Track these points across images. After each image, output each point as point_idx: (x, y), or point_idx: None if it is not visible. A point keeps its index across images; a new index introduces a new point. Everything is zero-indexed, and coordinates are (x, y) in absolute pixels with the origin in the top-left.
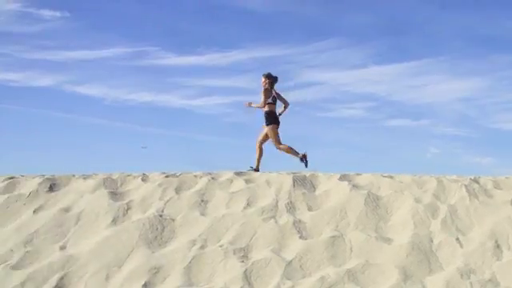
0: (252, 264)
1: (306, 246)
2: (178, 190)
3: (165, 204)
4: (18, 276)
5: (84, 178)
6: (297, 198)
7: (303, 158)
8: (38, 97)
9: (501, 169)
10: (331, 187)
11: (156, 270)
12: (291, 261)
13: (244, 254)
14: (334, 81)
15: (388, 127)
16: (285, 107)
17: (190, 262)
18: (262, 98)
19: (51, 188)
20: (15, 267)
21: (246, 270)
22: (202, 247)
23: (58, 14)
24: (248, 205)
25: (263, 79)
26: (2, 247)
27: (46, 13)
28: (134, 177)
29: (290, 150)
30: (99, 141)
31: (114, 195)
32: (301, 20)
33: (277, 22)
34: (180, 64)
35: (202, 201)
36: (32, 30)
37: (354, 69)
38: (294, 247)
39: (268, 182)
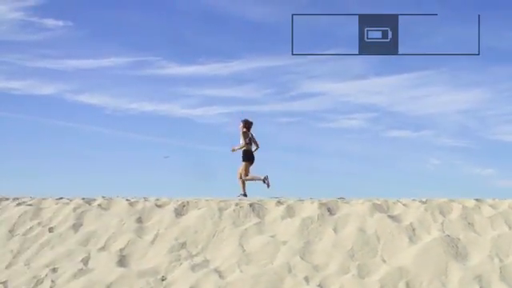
0: None
1: None
2: (443, 214)
3: (442, 225)
4: (368, 281)
5: (350, 204)
6: None
7: (244, 195)
8: (40, 105)
9: (501, 181)
10: None
11: (479, 278)
12: None
13: None
14: (334, 91)
15: (388, 138)
16: (256, 148)
17: (500, 272)
18: (242, 140)
19: (330, 211)
20: (361, 276)
21: None
22: (501, 261)
23: (60, 23)
24: (510, 227)
25: (242, 124)
26: (331, 259)
27: (49, 22)
28: (394, 202)
29: (251, 179)
30: (100, 150)
31: (392, 217)
32: (302, 30)
33: (278, 33)
34: (181, 74)
35: (469, 223)
36: (34, 38)
37: (355, 80)
38: None
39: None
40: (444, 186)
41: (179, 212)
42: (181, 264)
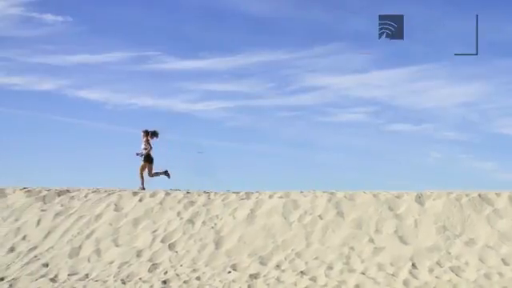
0: None
1: None
2: None
3: None
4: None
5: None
6: None
7: (143, 188)
8: (40, 101)
9: (502, 174)
10: None
11: None
12: None
13: None
14: (335, 85)
15: (389, 132)
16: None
17: None
18: (147, 146)
19: None
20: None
21: None
22: None
23: (60, 18)
24: None
25: (143, 134)
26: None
27: (49, 17)
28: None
29: (142, 179)
30: (100, 145)
31: None
32: (303, 25)
33: (279, 27)
34: (182, 68)
35: None
36: (34, 34)
37: (356, 73)
38: None
39: None
40: (445, 180)
41: (419, 202)
42: (453, 242)
